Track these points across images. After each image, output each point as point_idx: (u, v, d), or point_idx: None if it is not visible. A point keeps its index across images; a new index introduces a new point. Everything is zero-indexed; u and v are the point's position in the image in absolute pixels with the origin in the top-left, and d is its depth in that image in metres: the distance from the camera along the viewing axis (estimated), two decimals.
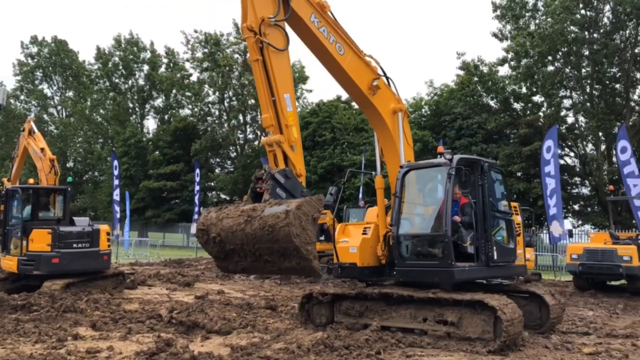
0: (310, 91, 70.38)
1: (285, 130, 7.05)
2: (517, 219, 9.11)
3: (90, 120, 55.79)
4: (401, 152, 8.58)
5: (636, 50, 27.60)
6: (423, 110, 37.36)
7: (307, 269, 6.27)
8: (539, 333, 8.05)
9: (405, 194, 8.18)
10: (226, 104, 51.55)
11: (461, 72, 32.71)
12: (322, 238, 20.41)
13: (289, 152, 6.98)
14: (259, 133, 52.56)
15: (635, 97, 29.91)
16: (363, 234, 8.50)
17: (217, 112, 52.96)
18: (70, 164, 58.25)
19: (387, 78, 8.89)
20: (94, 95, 56.05)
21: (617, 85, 29.30)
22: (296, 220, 5.96)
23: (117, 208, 27.33)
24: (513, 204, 9.33)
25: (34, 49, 56.48)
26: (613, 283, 14.66)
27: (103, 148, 56.29)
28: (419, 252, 7.88)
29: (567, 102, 31.75)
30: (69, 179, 13.50)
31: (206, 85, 51.54)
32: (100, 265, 12.03)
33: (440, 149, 9.13)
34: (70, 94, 57.52)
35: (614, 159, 26.33)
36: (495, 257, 7.82)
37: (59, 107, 58.41)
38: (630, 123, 28.70)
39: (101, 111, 57.07)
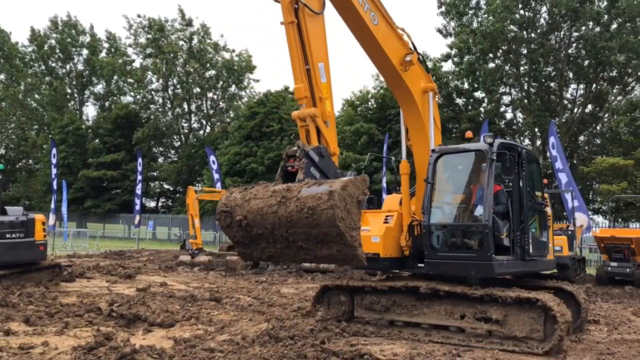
0: (258, 81, 69.72)
1: (319, 104, 6.48)
2: (548, 210, 8.45)
3: (24, 105, 52.99)
4: (431, 134, 7.97)
5: (570, 51, 29.04)
6: (369, 103, 37.85)
7: (350, 257, 5.61)
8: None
9: (438, 180, 7.56)
10: (170, 92, 50.30)
11: None
12: None
13: (322, 128, 6.35)
14: (204, 122, 51.65)
15: (568, 95, 31.56)
16: (385, 222, 7.84)
17: (160, 100, 51.65)
18: (1, 151, 55.23)
19: (420, 54, 8.25)
20: (28, 79, 53.17)
21: (552, 84, 30.78)
22: (341, 202, 5.30)
23: (54, 198, 26.19)
24: (545, 194, 8.72)
25: None
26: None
27: (38, 135, 53.65)
28: (453, 243, 7.32)
29: (506, 99, 33.07)
30: (0, 166, 12.79)
31: (149, 72, 50.10)
32: (36, 256, 11.50)
33: (469, 134, 8.37)
34: (1, 76, 54.34)
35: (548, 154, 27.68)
36: (531, 251, 7.35)
37: None
38: (564, 120, 30.25)
39: (36, 96, 54.29)
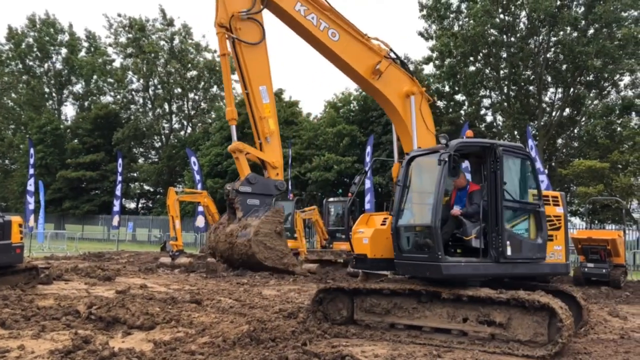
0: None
1: (259, 123, 7.35)
2: (557, 210, 7.90)
3: (0, 104, 51.98)
4: (414, 138, 8.06)
5: (548, 55, 29.51)
6: (352, 105, 37.98)
7: (288, 272, 6.74)
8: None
9: (411, 182, 7.72)
10: (151, 92, 49.86)
11: None
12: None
13: (257, 151, 7.44)
14: (185, 123, 51.26)
15: (547, 99, 32.06)
16: (381, 224, 8.01)
17: (141, 100, 51.15)
18: None
19: (399, 60, 8.36)
20: (4, 78, 52.18)
21: (531, 87, 31.24)
22: (259, 246, 6.43)
23: (31, 199, 25.72)
24: (554, 193, 8.26)
25: None
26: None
27: (15, 135, 52.68)
28: (413, 244, 7.44)
29: (486, 102, 33.48)
30: None
31: (130, 72, 49.59)
32: (12, 259, 11.25)
33: (469, 133, 8.36)
34: None
35: None
36: (509, 253, 7.11)
37: None
38: (542, 123, 30.72)
39: (13, 95, 53.33)
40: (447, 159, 7.01)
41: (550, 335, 6.58)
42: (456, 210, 7.57)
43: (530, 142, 19.84)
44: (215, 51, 49.57)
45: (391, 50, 8.23)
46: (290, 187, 29.01)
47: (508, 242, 7.14)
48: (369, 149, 24.31)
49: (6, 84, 52.20)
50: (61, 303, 9.51)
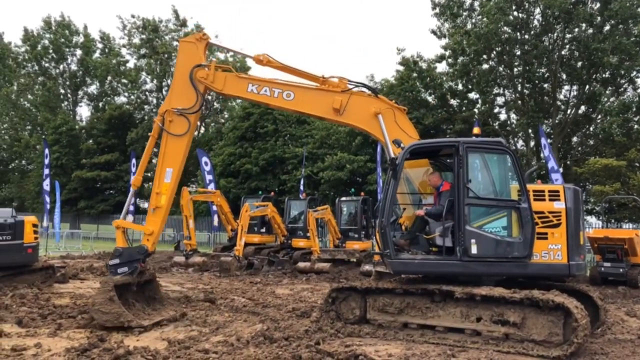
0: None
1: (153, 195, 8.51)
2: (554, 206, 7.29)
3: (17, 105, 52.67)
4: (389, 150, 8.14)
5: (563, 52, 29.16)
6: None
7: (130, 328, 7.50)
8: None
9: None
10: (164, 92, 50.11)
11: (401, 68, 33.39)
12: (263, 230, 20.35)
13: (136, 227, 9.52)
14: (198, 123, 51.54)
15: (562, 96, 31.67)
16: None
17: (154, 101, 51.44)
18: None
19: (360, 85, 8.73)
20: (21, 80, 52.85)
21: (546, 85, 30.88)
22: (97, 314, 7.43)
23: (47, 199, 26.01)
24: (554, 187, 7.77)
25: None
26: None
27: (31, 135, 53.33)
28: (382, 243, 7.64)
29: (500, 100, 33.17)
30: None
31: (143, 73, 49.95)
32: (24, 259, 11.36)
33: (477, 130, 8.28)
34: None
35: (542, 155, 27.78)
36: (475, 252, 7.06)
37: None
38: (557, 121, 30.37)
39: (29, 96, 53.99)
40: (389, 162, 7.51)
41: (566, 335, 6.53)
42: (420, 211, 7.90)
43: (544, 141, 19.64)
44: (228, 51, 49.76)
45: (349, 81, 8.60)
46: (302, 186, 29.03)
47: (473, 240, 7.09)
48: (379, 148, 24.19)
49: (23, 85, 52.87)
50: (77, 302, 9.62)
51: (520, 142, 32.82)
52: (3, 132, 54.64)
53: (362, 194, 20.84)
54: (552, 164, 18.92)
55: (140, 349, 6.24)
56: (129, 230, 8.69)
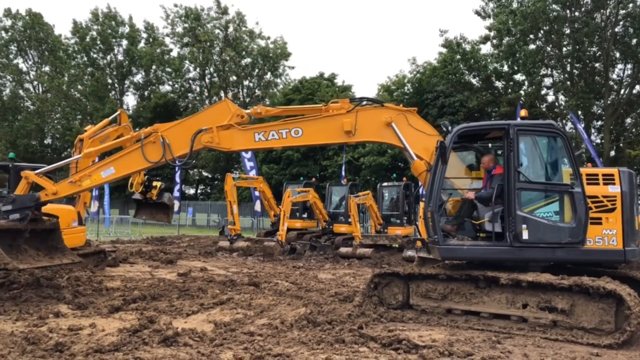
0: (293, 68, 69.66)
1: (83, 175, 8.94)
2: (609, 190, 7.03)
3: (68, 96, 54.58)
4: (411, 153, 7.87)
5: (616, 30, 27.83)
6: (405, 88, 37.34)
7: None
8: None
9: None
10: (207, 80, 50.89)
11: (444, 50, 32.71)
12: (305, 216, 20.51)
13: (42, 181, 8.80)
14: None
15: (614, 76, 30.30)
16: None
17: (198, 89, 52.34)
18: (48, 141, 57.15)
19: (363, 99, 8.48)
20: (71, 71, 54.69)
21: (597, 64, 29.61)
22: None
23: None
24: (609, 170, 7.35)
25: (8, 22, 54.75)
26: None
27: (82, 124, 55.22)
28: (429, 229, 7.51)
29: (547, 81, 32.07)
30: (11, 154, 13.21)
31: (187, 61, 50.77)
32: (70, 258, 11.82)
33: (524, 112, 8.07)
34: (46, 68, 56.01)
35: (592, 137, 26.77)
36: (526, 237, 6.89)
37: (35, 83, 56.95)
38: (609, 102, 29.12)
39: (79, 87, 55.82)
40: (438, 145, 7.16)
41: (618, 323, 6.33)
42: (469, 194, 7.62)
43: (579, 126, 19.13)
44: (268, 37, 50.01)
45: (351, 100, 8.23)
46: (343, 172, 29.01)
47: (524, 226, 6.90)
48: None
49: (73, 76, 54.70)
50: (127, 285, 9.99)
51: (569, 125, 31.70)
52: (56, 122, 56.78)
53: (405, 179, 20.65)
54: (591, 150, 18.49)
55: (188, 331, 6.44)
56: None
